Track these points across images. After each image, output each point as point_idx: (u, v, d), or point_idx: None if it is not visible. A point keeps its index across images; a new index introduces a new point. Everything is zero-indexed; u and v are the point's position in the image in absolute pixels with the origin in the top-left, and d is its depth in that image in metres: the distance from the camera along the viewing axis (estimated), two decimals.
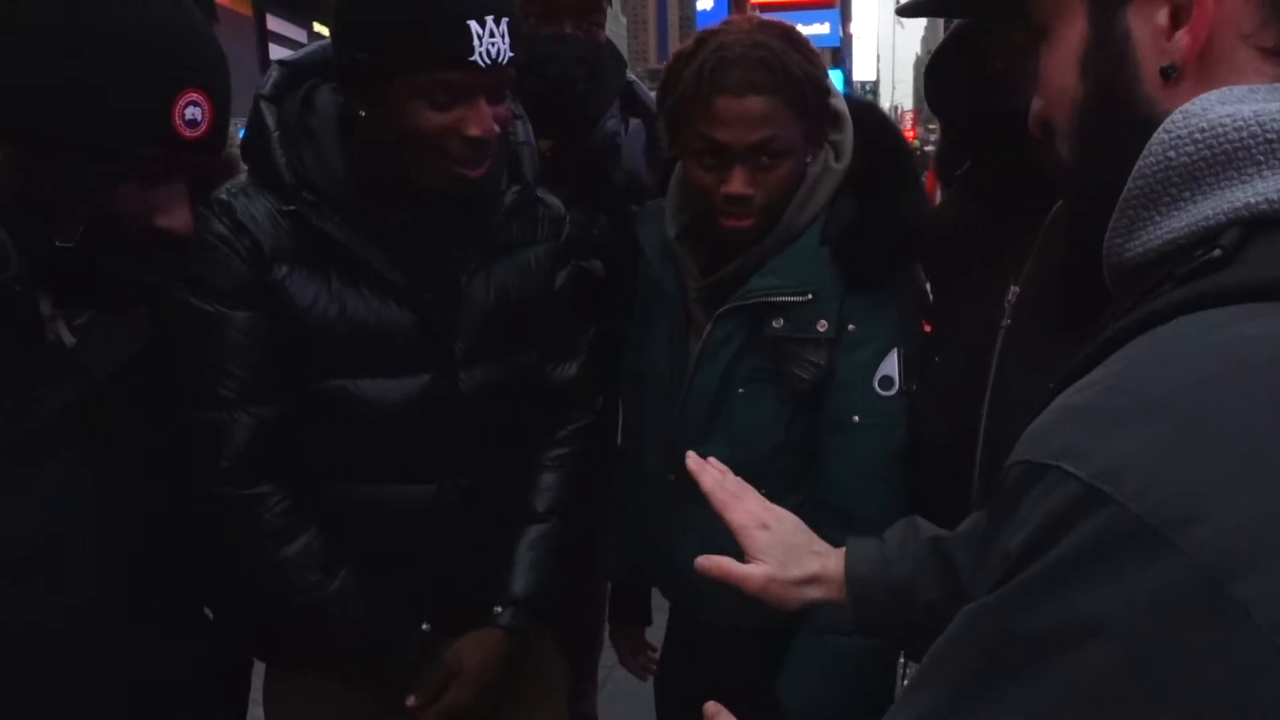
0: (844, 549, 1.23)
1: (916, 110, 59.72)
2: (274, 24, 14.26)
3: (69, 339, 1.15)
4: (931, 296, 1.69)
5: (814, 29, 25.60)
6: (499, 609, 1.62)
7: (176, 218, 1.16)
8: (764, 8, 24.77)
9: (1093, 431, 0.57)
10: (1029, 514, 0.57)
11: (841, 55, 28.19)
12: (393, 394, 1.49)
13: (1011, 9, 0.84)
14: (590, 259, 1.85)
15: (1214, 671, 0.50)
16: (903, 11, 1.32)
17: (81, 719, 1.23)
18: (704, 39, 1.57)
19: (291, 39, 14.15)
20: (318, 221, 1.43)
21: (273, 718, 1.69)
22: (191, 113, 1.10)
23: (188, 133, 1.11)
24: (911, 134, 38.31)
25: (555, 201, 1.68)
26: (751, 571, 1.24)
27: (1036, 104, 0.82)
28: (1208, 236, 0.65)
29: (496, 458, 1.61)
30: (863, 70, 32.19)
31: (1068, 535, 0.54)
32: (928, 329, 1.67)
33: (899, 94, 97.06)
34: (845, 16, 29.46)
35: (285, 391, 1.47)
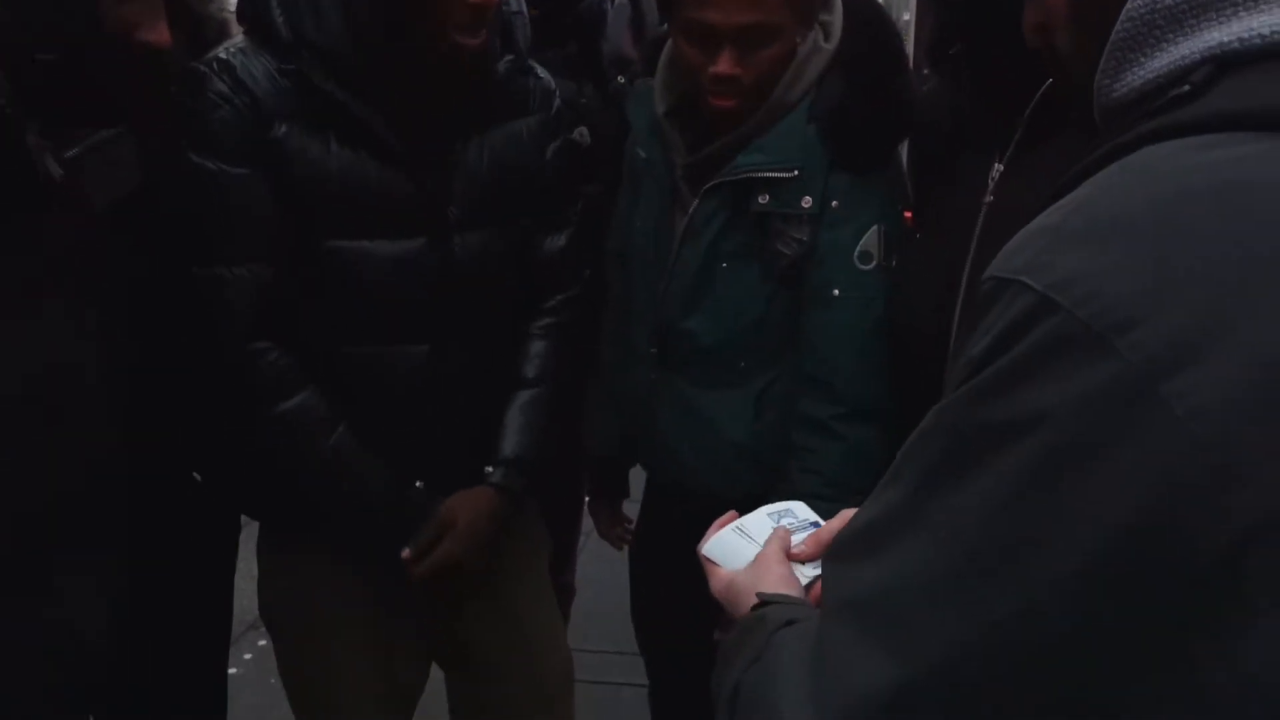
0: None
1: None
2: None
3: (56, 170, 1.15)
4: (915, 179, 1.74)
5: None
6: (490, 468, 1.67)
7: (155, 31, 1.17)
8: None
9: (1053, 248, 0.62)
10: (993, 323, 0.62)
11: None
12: (389, 256, 1.52)
13: None
14: (577, 127, 1.89)
15: (1140, 457, 0.55)
16: None
17: (73, 555, 1.24)
18: None
19: None
20: (317, 80, 1.45)
21: (265, 571, 1.74)
22: None
23: None
24: None
25: (546, 75, 1.71)
26: None
27: (1029, 13, 0.85)
28: (1182, 75, 0.68)
29: (489, 324, 1.65)
30: None
31: (1022, 340, 0.60)
32: (908, 217, 1.72)
33: None
34: None
35: (284, 252, 1.50)
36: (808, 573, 1.01)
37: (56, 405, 1.19)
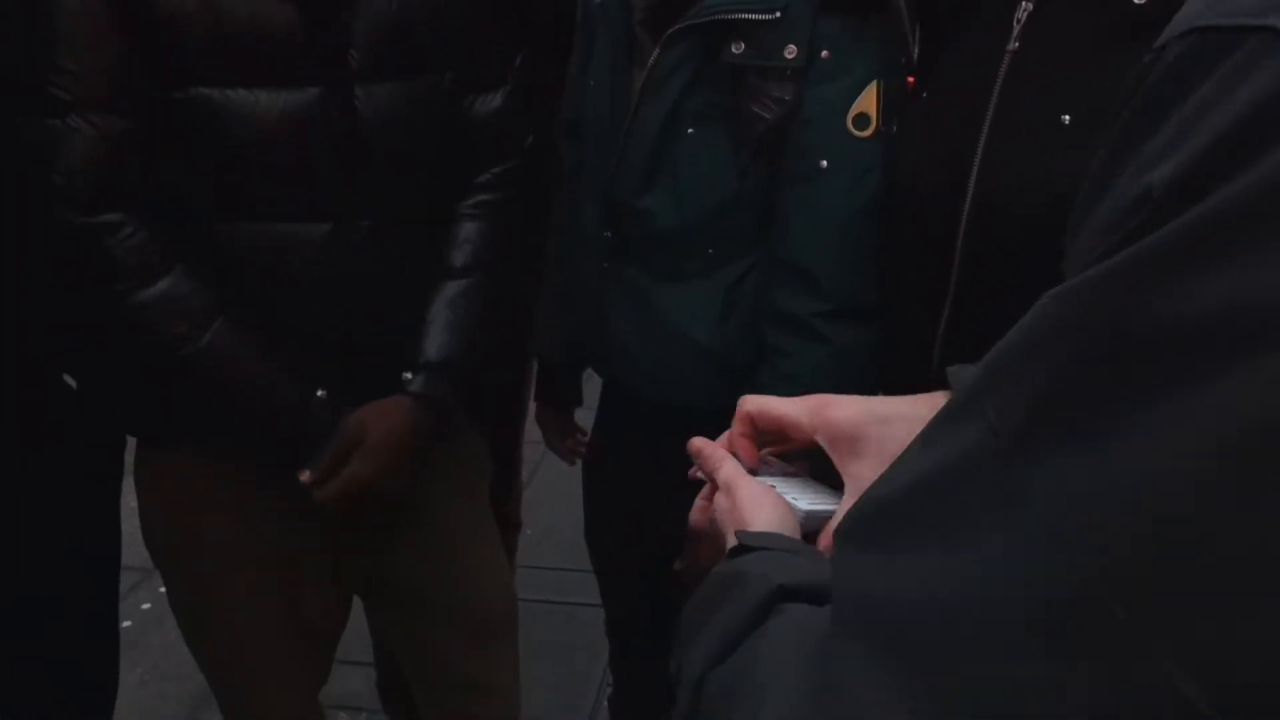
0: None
1: None
2: None
3: None
4: (919, 28, 1.45)
5: None
6: (408, 374, 1.43)
7: None
8: None
9: None
10: (1200, 113, 0.34)
11: None
12: (272, 108, 1.25)
13: None
14: None
15: None
16: None
17: None
18: None
19: None
20: None
21: (144, 495, 1.50)
22: None
23: None
24: None
25: None
26: None
27: None
28: None
29: (405, 199, 1.38)
30: None
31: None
32: (910, 81, 1.44)
33: None
34: None
35: (138, 99, 1.22)
36: (805, 506, 0.79)
37: None
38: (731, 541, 0.70)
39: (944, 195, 1.25)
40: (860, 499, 0.47)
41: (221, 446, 1.40)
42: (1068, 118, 1.14)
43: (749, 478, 0.80)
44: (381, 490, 1.41)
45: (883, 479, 0.46)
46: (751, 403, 0.85)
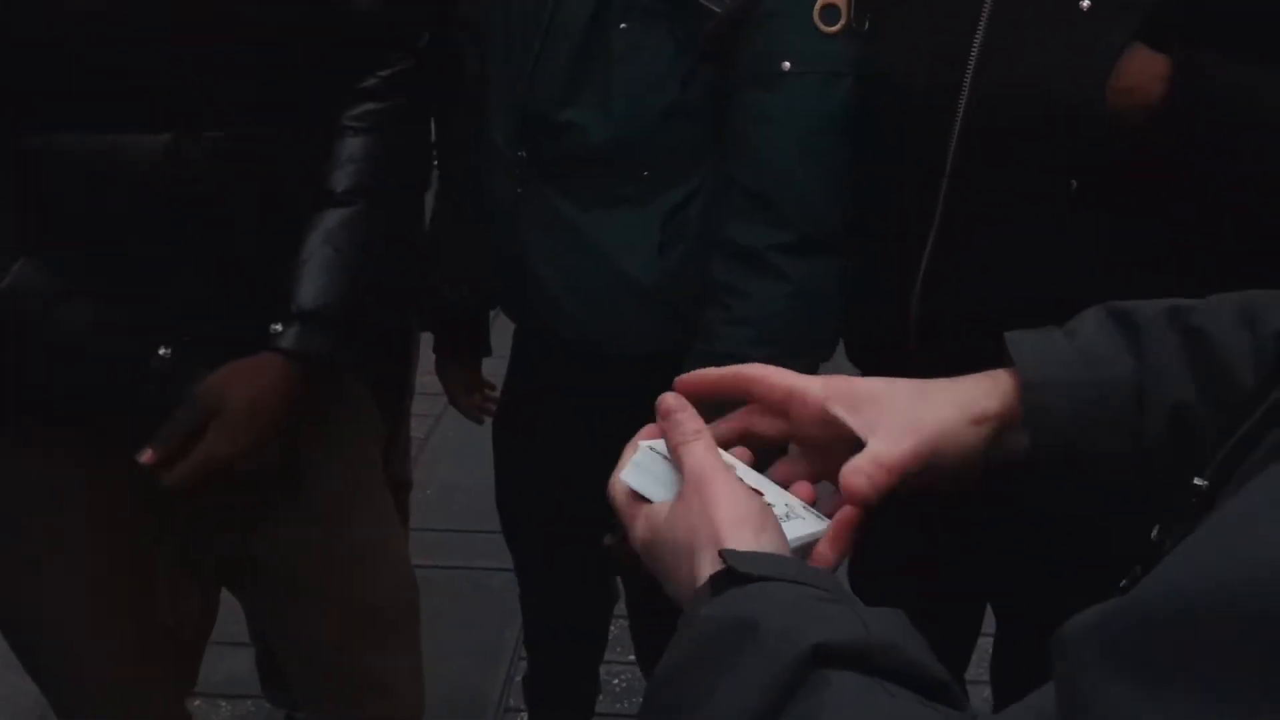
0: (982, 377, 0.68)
1: None
2: None
3: None
4: None
5: None
6: (277, 326, 1.19)
7: None
8: None
9: None
10: None
11: None
12: None
13: None
14: None
15: None
16: None
17: None
18: None
19: None
20: None
21: None
22: None
23: None
24: None
25: None
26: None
27: None
28: None
29: (266, 105, 1.14)
30: None
31: None
32: None
33: None
34: None
35: None
36: (799, 530, 0.61)
37: None
38: (711, 562, 0.54)
39: (933, 100, 1.11)
40: (1126, 603, 0.33)
41: (35, 426, 1.15)
42: (1086, 3, 1.02)
43: (726, 470, 0.60)
44: (245, 467, 1.17)
45: (1168, 582, 0.32)
46: (757, 369, 0.67)
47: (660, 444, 0.64)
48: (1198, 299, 0.64)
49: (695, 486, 0.58)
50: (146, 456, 1.11)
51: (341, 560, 1.38)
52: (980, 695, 1.70)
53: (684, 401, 0.64)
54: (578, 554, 1.57)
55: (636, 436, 0.66)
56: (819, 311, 1.25)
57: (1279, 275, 0.97)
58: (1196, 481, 0.46)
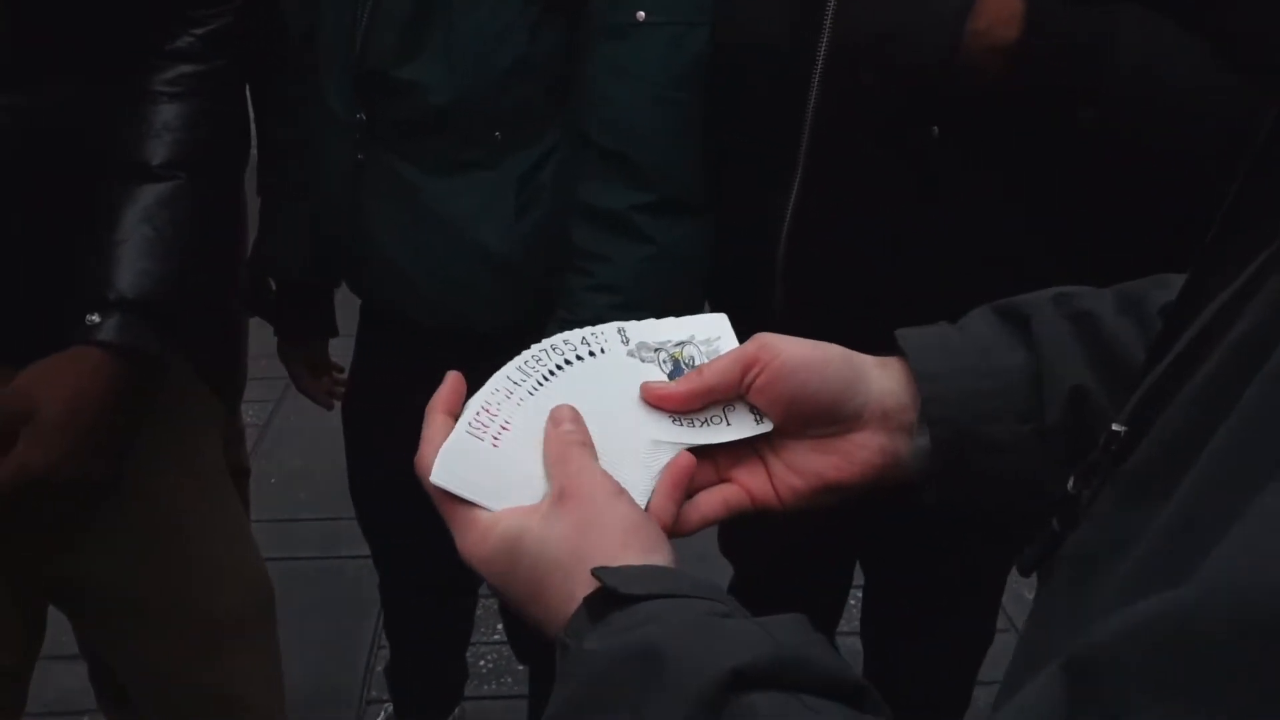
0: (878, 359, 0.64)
1: None
2: None
3: None
4: None
5: None
6: (95, 316, 1.06)
7: None
8: None
9: None
10: None
11: None
12: None
13: None
14: None
15: None
16: None
17: None
18: None
19: None
20: None
21: None
22: None
23: None
24: None
25: None
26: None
27: None
28: None
29: (66, 68, 1.01)
30: None
31: None
32: None
33: None
34: None
35: None
36: (645, 482, 0.57)
37: None
38: (585, 584, 0.48)
39: (792, 48, 1.08)
40: (1147, 607, 0.28)
41: None
42: None
43: (612, 482, 0.54)
44: (67, 478, 1.04)
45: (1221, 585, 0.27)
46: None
47: (466, 422, 0.56)
48: (1078, 286, 0.62)
49: (576, 501, 0.52)
50: None
51: (182, 571, 1.25)
52: (850, 646, 1.71)
53: (577, 413, 0.57)
54: (437, 537, 1.50)
55: (432, 406, 0.58)
56: (684, 273, 1.21)
57: (1141, 226, 0.97)
58: (1115, 428, 0.43)
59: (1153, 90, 0.95)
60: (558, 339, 0.62)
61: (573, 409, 0.57)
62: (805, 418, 0.59)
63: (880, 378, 0.60)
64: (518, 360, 0.61)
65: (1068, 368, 0.58)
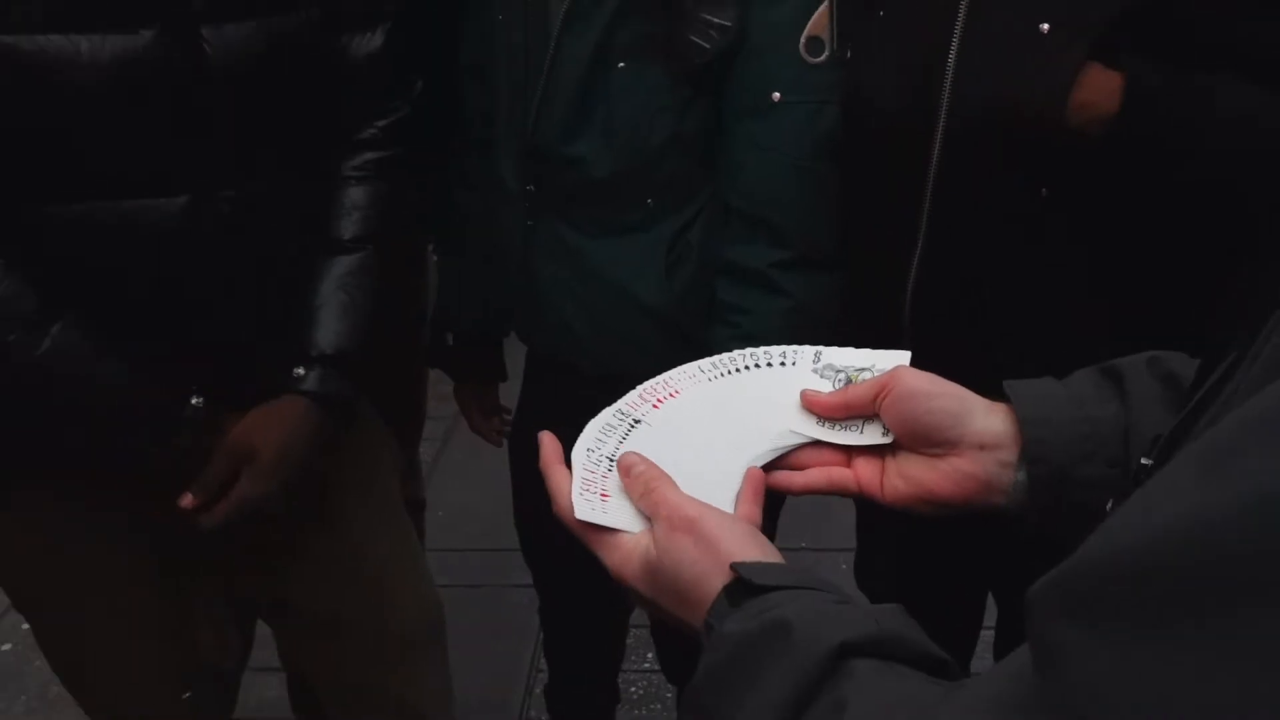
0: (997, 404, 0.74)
1: None
2: None
3: None
4: None
5: None
6: (300, 370, 1.23)
7: None
8: None
9: None
10: None
11: None
12: (98, 57, 1.02)
13: None
14: None
15: None
16: None
17: None
18: None
19: None
20: None
21: (3, 544, 1.28)
22: None
23: None
24: None
25: None
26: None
27: None
28: None
29: (275, 161, 1.17)
30: None
31: None
32: None
33: None
34: None
35: None
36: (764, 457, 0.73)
37: None
38: (721, 578, 0.59)
39: (913, 122, 1.17)
40: (1074, 561, 0.39)
41: (78, 478, 1.18)
42: (1046, 26, 1.08)
43: (705, 505, 0.65)
44: (277, 508, 1.21)
45: (1106, 539, 0.38)
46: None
47: (581, 464, 0.70)
48: (1173, 351, 0.71)
49: (684, 526, 0.63)
50: (186, 501, 1.15)
51: (367, 592, 1.41)
52: None
53: (640, 457, 0.69)
54: (592, 565, 1.62)
55: (545, 464, 0.71)
56: (817, 324, 1.29)
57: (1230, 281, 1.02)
58: (1144, 461, 0.52)
59: (1249, 145, 1.01)
60: (759, 350, 0.78)
61: (638, 455, 0.69)
62: (916, 436, 0.71)
63: (985, 417, 0.70)
64: (705, 363, 0.78)
65: (1152, 421, 0.66)
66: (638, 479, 0.67)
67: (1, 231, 1.05)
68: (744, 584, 0.58)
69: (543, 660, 2.09)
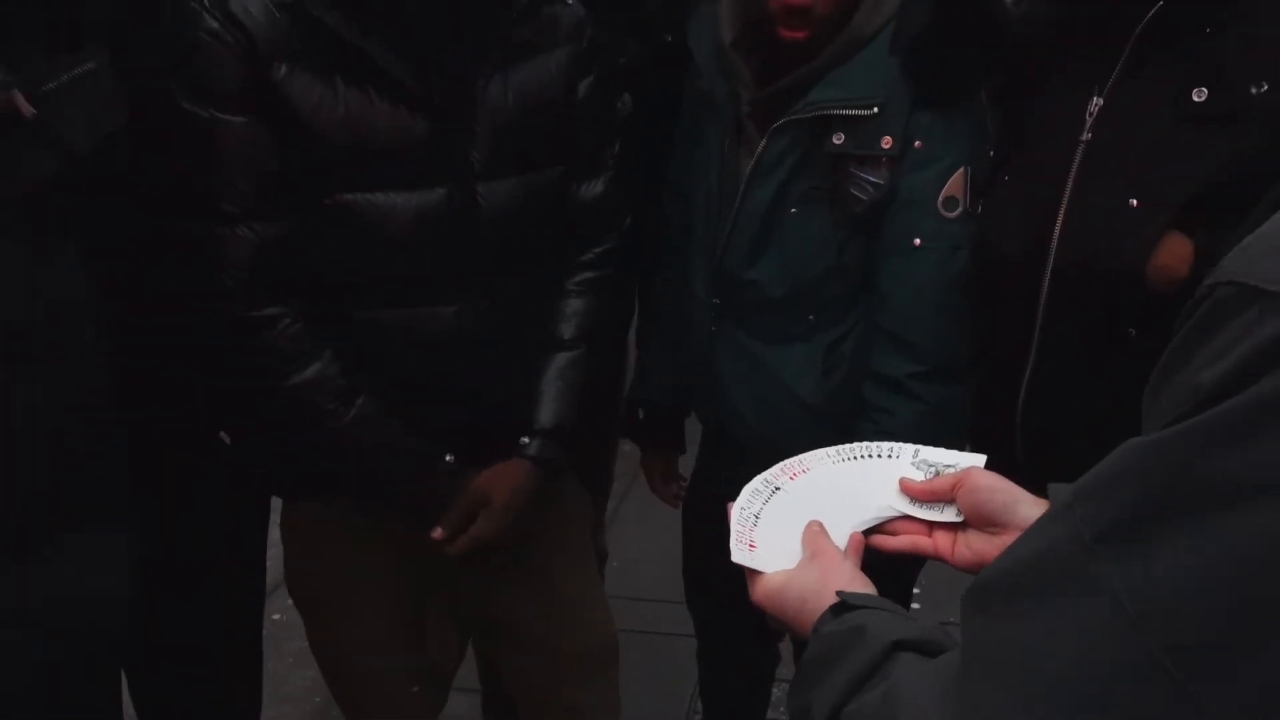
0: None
1: None
2: None
3: (28, 109, 1.01)
4: (997, 114, 1.55)
5: None
6: (526, 439, 1.54)
7: None
8: None
9: None
10: (1232, 343, 0.51)
11: None
12: (407, 208, 1.36)
13: None
14: (619, 93, 1.70)
15: None
16: None
17: (91, 519, 1.11)
18: None
19: None
20: (319, 13, 1.27)
21: (291, 547, 1.63)
22: None
23: None
24: None
25: (576, 2, 1.51)
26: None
27: None
28: None
29: (520, 280, 1.49)
30: None
31: (1277, 371, 0.48)
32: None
33: None
34: None
35: (291, 207, 1.34)
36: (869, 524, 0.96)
37: (42, 348, 1.05)
38: (830, 599, 0.83)
39: (1028, 268, 1.38)
40: (983, 571, 0.63)
41: (359, 504, 1.52)
42: (1135, 201, 1.28)
43: (835, 548, 0.91)
44: (501, 545, 1.52)
45: (1001, 556, 0.63)
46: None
47: (735, 519, 0.95)
48: None
49: (817, 561, 0.89)
50: (437, 533, 1.46)
51: (560, 618, 1.69)
52: None
53: (819, 521, 0.94)
54: (746, 618, 1.86)
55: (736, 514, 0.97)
56: (947, 425, 1.51)
57: None
58: None
59: None
60: (872, 444, 1.03)
61: (819, 523, 0.94)
62: (980, 518, 0.94)
63: (1030, 508, 0.92)
64: (831, 451, 1.04)
65: None
66: (811, 529, 0.93)
67: (323, 328, 1.39)
68: (843, 604, 0.80)
69: (699, 702, 2.31)
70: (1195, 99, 1.24)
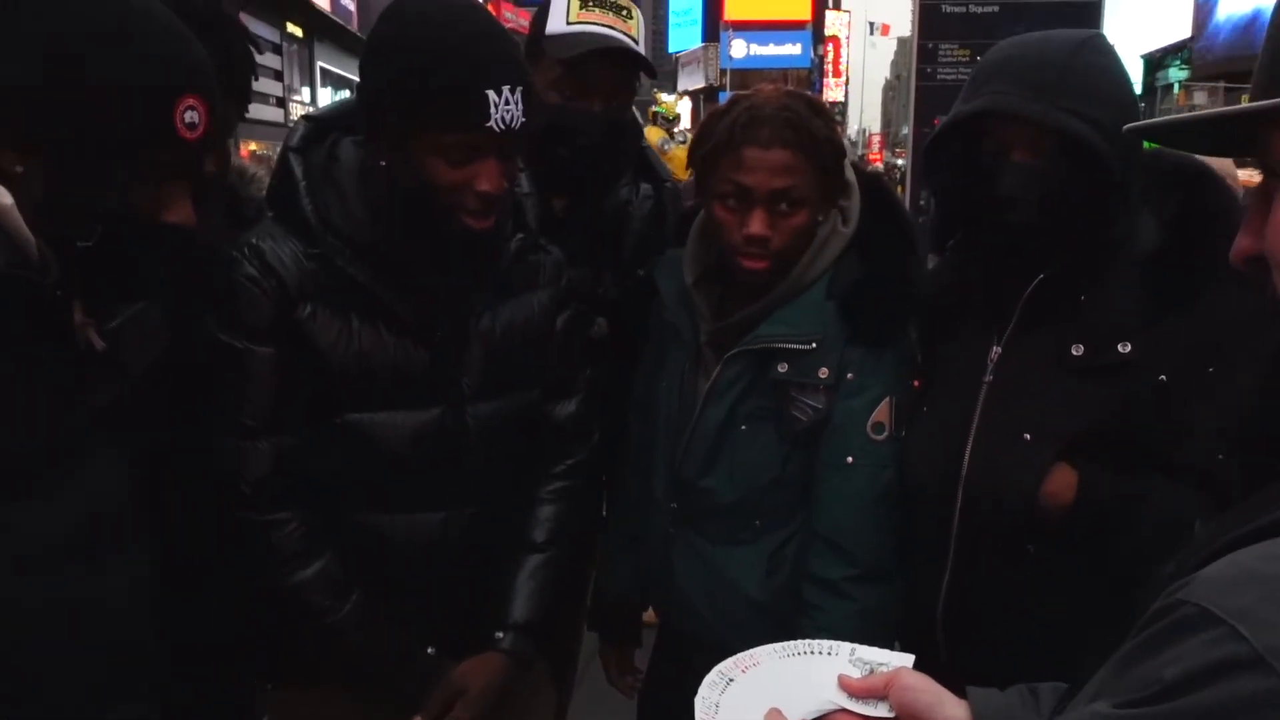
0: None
1: (884, 133, 60.53)
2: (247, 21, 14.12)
3: (100, 344, 1.21)
4: (920, 353, 1.78)
5: (785, 49, 25.87)
6: (500, 634, 1.69)
7: (181, 213, 1.23)
8: (738, 26, 25.11)
9: (1274, 605, 0.64)
10: (1193, 653, 0.64)
11: (812, 77, 28.28)
12: (405, 426, 1.56)
13: (1248, 149, 0.81)
14: (595, 318, 1.95)
15: None
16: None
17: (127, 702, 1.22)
18: (737, 100, 1.71)
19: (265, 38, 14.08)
20: (341, 263, 1.51)
21: None
22: (190, 116, 1.16)
23: (188, 134, 1.17)
24: (878, 157, 38.68)
25: (556, 250, 1.77)
26: None
27: (1247, 241, 0.80)
28: None
29: (500, 489, 1.68)
30: (833, 92, 32.47)
31: (1222, 687, 0.62)
32: (916, 385, 1.78)
33: (867, 117, 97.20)
34: (817, 39, 29.63)
35: (305, 423, 1.54)
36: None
37: (100, 554, 1.19)
38: None
39: (942, 489, 1.58)
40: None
41: (345, 688, 1.65)
42: (1028, 435, 1.50)
43: None
44: None
45: None
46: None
47: (698, 708, 1.07)
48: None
49: None
50: (417, 718, 1.60)
51: None
52: None
53: (778, 710, 1.07)
54: None
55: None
56: (879, 623, 1.67)
57: None
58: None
59: (1176, 531, 1.39)
60: (815, 641, 1.15)
61: (779, 711, 1.07)
62: (908, 714, 1.06)
63: (952, 708, 1.05)
64: (777, 647, 1.16)
65: None
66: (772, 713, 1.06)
67: (328, 531, 1.56)
68: None
69: None
70: (1075, 353, 1.48)
